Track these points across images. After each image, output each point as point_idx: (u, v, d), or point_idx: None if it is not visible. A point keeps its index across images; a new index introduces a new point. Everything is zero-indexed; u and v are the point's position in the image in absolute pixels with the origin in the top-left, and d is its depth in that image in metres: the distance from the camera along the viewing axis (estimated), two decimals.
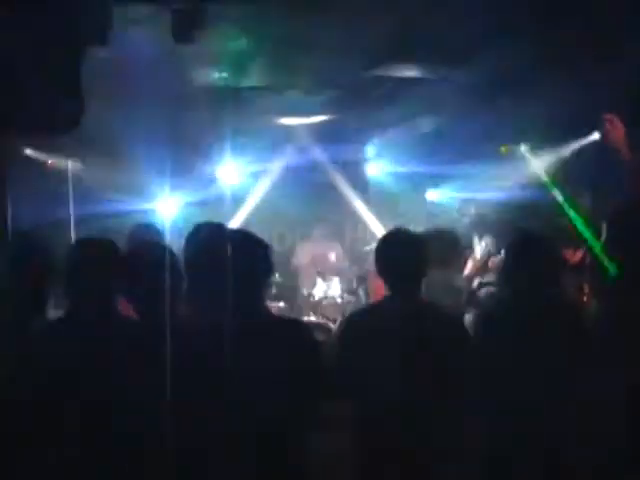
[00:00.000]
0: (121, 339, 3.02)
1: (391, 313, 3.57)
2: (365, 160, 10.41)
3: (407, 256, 3.58)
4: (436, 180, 10.07)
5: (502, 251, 6.57)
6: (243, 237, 3.31)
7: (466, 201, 7.79)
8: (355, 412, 3.55)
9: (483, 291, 6.54)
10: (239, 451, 2.98)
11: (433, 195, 10.46)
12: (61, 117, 3.44)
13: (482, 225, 7.09)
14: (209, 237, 3.47)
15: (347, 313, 7.92)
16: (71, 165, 9.06)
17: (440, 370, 3.45)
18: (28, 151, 8.43)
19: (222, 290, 3.11)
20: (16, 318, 2.93)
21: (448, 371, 3.47)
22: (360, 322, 3.72)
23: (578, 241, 6.92)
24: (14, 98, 3.10)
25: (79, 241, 3.36)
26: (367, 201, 10.45)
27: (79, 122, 3.54)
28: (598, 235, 4.55)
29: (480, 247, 6.77)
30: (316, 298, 8.54)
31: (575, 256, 6.81)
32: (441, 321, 3.64)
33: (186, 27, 4.49)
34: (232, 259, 3.10)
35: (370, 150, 10.17)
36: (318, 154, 9.83)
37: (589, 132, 8.92)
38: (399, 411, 3.41)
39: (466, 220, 7.33)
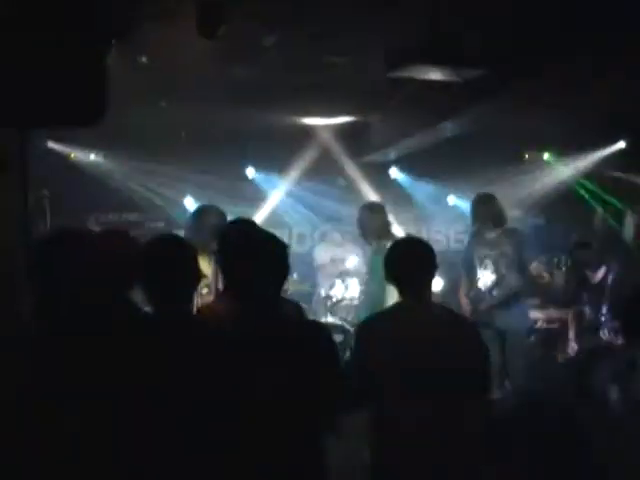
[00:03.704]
0: (138, 333, 3.01)
1: (408, 317, 3.57)
2: (388, 163, 10.37)
3: (418, 262, 3.63)
4: (459, 184, 10.04)
5: None
6: (265, 236, 3.32)
7: None
8: (372, 415, 3.55)
9: None
10: (259, 452, 2.97)
11: (455, 199, 10.42)
12: (84, 110, 3.43)
13: None
14: (239, 236, 3.50)
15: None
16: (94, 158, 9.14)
17: (455, 373, 3.45)
18: (50, 144, 8.49)
19: (244, 289, 3.13)
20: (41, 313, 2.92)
21: (462, 373, 3.47)
22: (378, 326, 3.72)
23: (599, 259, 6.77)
24: (35, 92, 3.09)
25: (98, 234, 3.36)
26: (389, 204, 10.41)
27: (103, 116, 3.53)
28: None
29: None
30: (334, 299, 8.52)
31: (595, 275, 6.70)
32: (455, 324, 3.66)
33: (211, 22, 4.48)
34: (256, 258, 3.12)
35: (393, 153, 10.12)
36: (340, 156, 9.81)
37: (615, 140, 8.89)
38: (417, 416, 3.41)
39: None
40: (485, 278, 6.40)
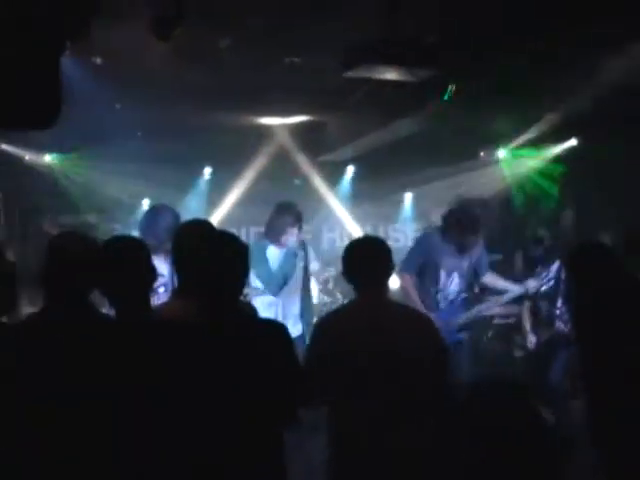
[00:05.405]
0: (97, 335, 3.00)
1: (365, 313, 3.61)
2: (345, 161, 10.40)
3: (374, 260, 3.68)
4: (415, 182, 10.11)
5: None
6: (223, 237, 3.33)
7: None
8: (330, 408, 3.59)
9: None
10: (220, 450, 2.99)
11: (412, 197, 10.51)
12: (37, 113, 3.40)
13: None
14: (197, 236, 3.52)
15: (323, 313, 7.92)
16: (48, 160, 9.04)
17: (411, 369, 3.51)
18: (4, 146, 8.38)
19: (206, 288, 3.15)
20: None
21: (418, 369, 3.52)
22: (336, 322, 3.75)
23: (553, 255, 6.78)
24: None
25: (57, 236, 3.34)
26: (345, 202, 10.47)
27: (56, 118, 3.50)
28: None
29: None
30: None
31: (549, 271, 6.70)
32: (412, 320, 3.71)
33: (166, 24, 4.48)
34: (215, 258, 3.14)
35: (350, 151, 10.17)
36: (297, 154, 9.81)
37: (568, 137, 9.06)
38: (373, 411, 3.45)
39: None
40: (450, 289, 6.25)
